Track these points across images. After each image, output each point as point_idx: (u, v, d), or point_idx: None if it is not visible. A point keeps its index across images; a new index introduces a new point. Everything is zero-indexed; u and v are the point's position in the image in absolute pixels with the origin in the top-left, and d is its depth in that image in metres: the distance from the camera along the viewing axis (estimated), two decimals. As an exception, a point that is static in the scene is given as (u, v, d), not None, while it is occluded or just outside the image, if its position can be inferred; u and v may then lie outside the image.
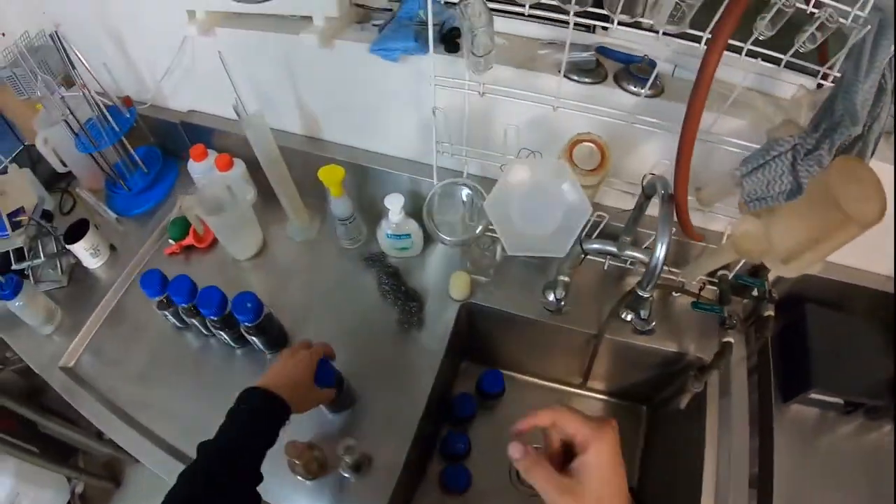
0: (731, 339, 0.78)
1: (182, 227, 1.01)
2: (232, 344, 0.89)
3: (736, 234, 0.66)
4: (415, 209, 0.90)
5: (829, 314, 0.83)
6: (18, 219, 0.93)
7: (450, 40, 0.74)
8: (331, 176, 0.87)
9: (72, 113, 0.93)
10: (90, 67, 0.94)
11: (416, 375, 0.85)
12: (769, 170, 0.57)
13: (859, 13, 0.52)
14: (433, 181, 0.85)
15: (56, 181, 1.13)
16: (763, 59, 0.59)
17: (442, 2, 0.71)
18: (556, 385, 1.11)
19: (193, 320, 0.88)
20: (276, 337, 0.88)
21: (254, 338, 0.85)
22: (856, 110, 0.49)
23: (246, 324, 0.81)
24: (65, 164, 1.07)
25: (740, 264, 0.83)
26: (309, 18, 0.79)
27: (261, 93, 0.95)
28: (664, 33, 0.59)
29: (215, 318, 0.82)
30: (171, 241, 1.01)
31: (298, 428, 0.79)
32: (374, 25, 0.80)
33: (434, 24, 0.76)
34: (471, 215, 0.83)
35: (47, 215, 1.01)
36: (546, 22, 0.75)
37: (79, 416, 0.85)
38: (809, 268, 0.59)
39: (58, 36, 0.88)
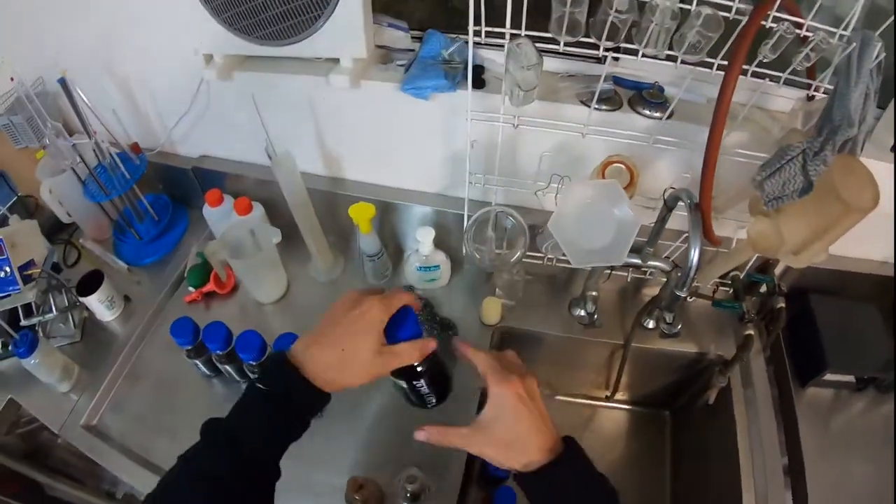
0: (752, 332, 0.84)
1: (202, 273, 1.00)
2: (268, 388, 0.88)
3: (752, 234, 0.73)
4: (440, 241, 0.93)
5: (833, 301, 0.91)
6: (29, 272, 0.89)
7: (476, 77, 0.79)
8: (361, 213, 0.89)
9: (83, 160, 0.91)
10: (98, 114, 0.93)
11: (460, 401, 0.86)
12: (784, 172, 0.64)
13: (844, 33, 0.61)
14: (463, 212, 0.89)
15: (56, 232, 1.10)
16: (768, 79, 0.67)
17: (467, 43, 0.76)
18: (582, 400, 1.15)
19: (227, 367, 0.87)
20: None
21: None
22: (851, 115, 0.57)
23: (288, 364, 0.81)
24: (69, 215, 1.04)
25: (750, 264, 0.91)
26: (334, 61, 0.83)
27: (279, 135, 0.96)
28: (682, 62, 0.66)
29: (254, 363, 0.82)
30: (190, 288, 0.99)
31: (344, 464, 0.80)
32: (399, 66, 0.84)
33: (459, 63, 0.82)
34: (507, 242, 0.87)
35: (55, 268, 0.98)
36: (563, 56, 0.82)
37: (86, 476, 0.82)
38: (817, 257, 0.67)
39: (66, 82, 0.85)
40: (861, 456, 0.84)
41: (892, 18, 0.60)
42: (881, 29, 0.58)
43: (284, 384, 0.47)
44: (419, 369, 0.53)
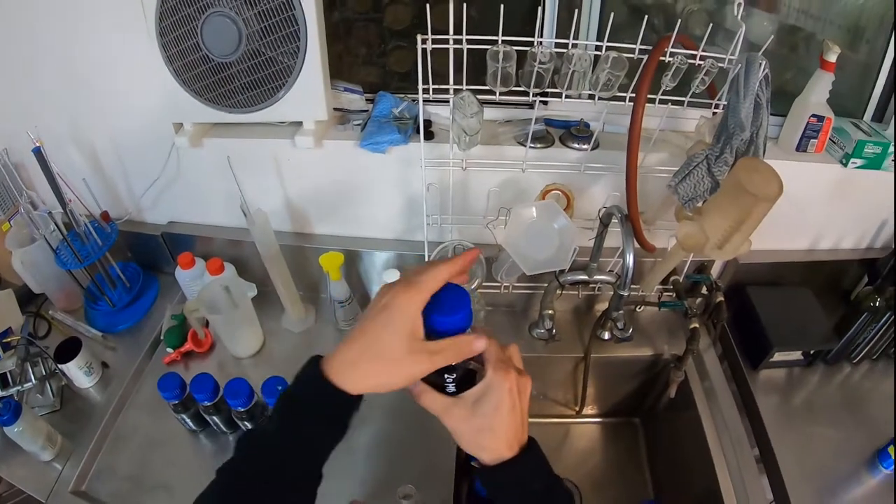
0: (697, 325, 0.94)
1: (179, 334, 1.02)
2: (256, 436, 0.90)
3: (680, 237, 0.83)
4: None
5: (769, 291, 1.02)
6: (8, 339, 0.90)
7: (425, 129, 0.90)
8: (331, 262, 0.96)
9: (58, 228, 0.94)
10: (69, 183, 0.95)
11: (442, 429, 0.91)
12: (693, 176, 0.75)
13: (731, 57, 0.75)
14: (423, 253, 0.96)
15: (24, 305, 1.07)
16: (671, 104, 0.80)
17: (415, 101, 0.87)
18: (555, 420, 1.21)
19: (214, 417, 0.88)
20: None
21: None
22: (742, 122, 0.70)
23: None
24: (38, 285, 1.05)
25: (686, 266, 1.02)
26: (297, 124, 0.91)
27: (249, 196, 1.02)
28: (599, 98, 0.78)
29: (243, 409, 0.84)
30: (168, 349, 1.02)
31: (343, 484, 0.82)
32: (356, 125, 0.94)
33: (409, 119, 0.93)
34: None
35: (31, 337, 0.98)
36: (499, 105, 0.94)
37: None
38: (740, 248, 0.77)
39: (41, 151, 0.86)
40: (821, 422, 0.92)
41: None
42: (762, 49, 0.71)
43: (305, 386, 0.44)
44: (453, 366, 0.45)
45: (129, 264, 1.15)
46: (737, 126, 0.71)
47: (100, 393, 0.97)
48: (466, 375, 0.46)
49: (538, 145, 0.91)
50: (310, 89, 0.84)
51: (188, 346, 1.02)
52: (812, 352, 0.98)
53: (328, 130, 0.94)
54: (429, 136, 0.91)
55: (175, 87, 0.85)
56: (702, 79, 0.76)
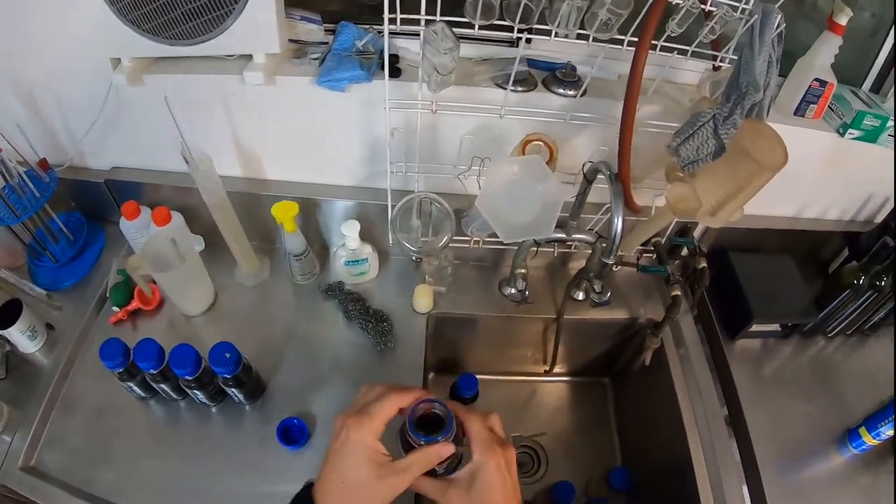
0: (679, 292, 0.89)
1: (125, 291, 0.94)
2: (208, 402, 0.84)
3: (671, 199, 0.77)
4: (365, 233, 0.93)
5: (750, 257, 0.98)
6: None
7: (391, 66, 0.79)
8: (285, 212, 0.87)
9: None
10: (2, 130, 0.85)
11: None
12: (697, 137, 0.68)
13: (746, 6, 0.65)
14: (387, 203, 0.88)
15: None
16: (677, 53, 0.71)
17: (381, 33, 0.76)
18: (522, 378, 1.17)
19: (163, 385, 0.82)
20: (255, 386, 0.85)
21: (234, 390, 0.81)
22: (756, 81, 0.62)
23: (226, 376, 0.78)
24: (-28, 244, 0.95)
25: (669, 229, 0.96)
26: (247, 57, 0.80)
27: (196, 138, 0.92)
28: (594, 40, 0.68)
29: (190, 378, 0.78)
30: (115, 308, 0.94)
31: (296, 472, 0.78)
32: (314, 59, 0.82)
33: (373, 53, 0.82)
34: (433, 228, 0.88)
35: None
36: (477, 41, 0.83)
37: None
38: (734, 216, 0.71)
39: None
40: (794, 395, 0.91)
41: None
42: (780, 1, 0.63)
43: None
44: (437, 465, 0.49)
45: (73, 214, 1.05)
46: (750, 85, 0.63)
47: (46, 357, 0.90)
48: (453, 459, 0.50)
49: (519, 89, 0.81)
50: (260, 18, 0.73)
51: (135, 304, 0.94)
52: (790, 324, 0.96)
53: (282, 65, 0.82)
54: (395, 73, 0.80)
55: (109, 16, 0.73)
56: (712, 27, 0.67)
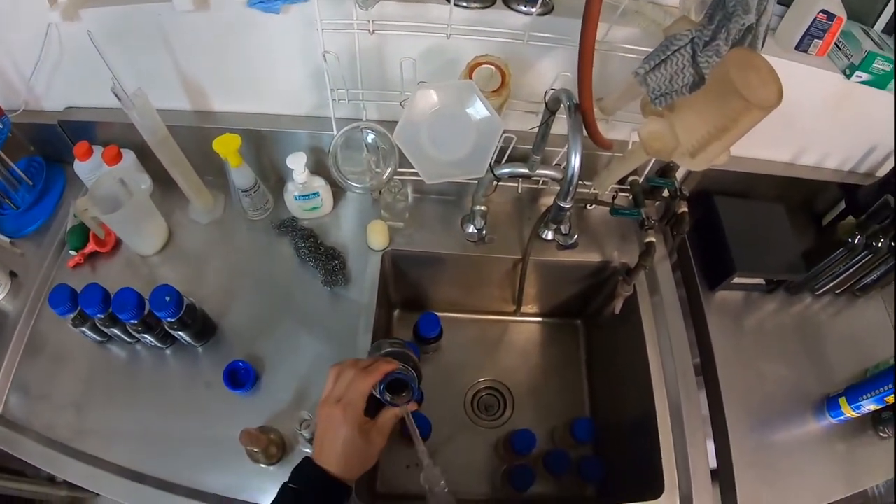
0: (653, 239, 0.81)
1: (81, 234, 0.92)
2: (159, 345, 0.83)
3: (643, 135, 0.68)
4: (319, 166, 0.87)
5: (738, 203, 0.89)
6: None
7: (329, -19, 0.71)
8: (227, 146, 0.82)
9: None
10: None
11: (352, 333, 0.85)
12: (671, 64, 0.58)
13: None
14: (333, 132, 0.82)
15: None
16: None
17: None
18: (492, 317, 1.13)
19: (114, 329, 0.81)
20: (202, 328, 0.83)
21: (180, 333, 0.80)
22: (746, 0, 0.51)
23: (169, 320, 0.76)
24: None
25: (648, 168, 0.87)
26: (175, -19, 0.73)
27: (140, 73, 0.87)
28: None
29: (136, 322, 0.77)
30: (72, 252, 0.92)
31: (244, 416, 0.77)
32: (246, -22, 0.75)
33: (310, -32, 0.73)
34: (377, 160, 0.81)
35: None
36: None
37: (24, 465, 0.77)
38: (717, 159, 0.62)
39: None
40: (773, 354, 0.84)
41: None
42: None
43: (309, 476, 0.55)
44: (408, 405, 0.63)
45: (35, 159, 1.03)
46: (738, 4, 0.52)
47: (10, 305, 0.90)
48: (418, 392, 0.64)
49: (473, 5, 0.72)
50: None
51: (91, 246, 0.92)
52: (776, 279, 0.88)
53: (216, -13, 0.75)
54: (334, -10, 0.72)
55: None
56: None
